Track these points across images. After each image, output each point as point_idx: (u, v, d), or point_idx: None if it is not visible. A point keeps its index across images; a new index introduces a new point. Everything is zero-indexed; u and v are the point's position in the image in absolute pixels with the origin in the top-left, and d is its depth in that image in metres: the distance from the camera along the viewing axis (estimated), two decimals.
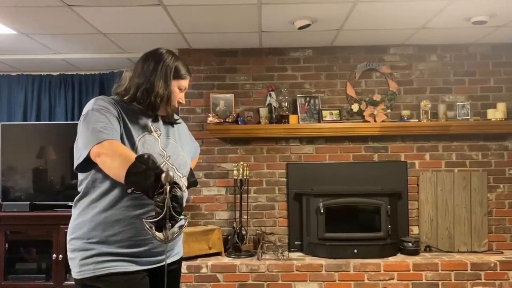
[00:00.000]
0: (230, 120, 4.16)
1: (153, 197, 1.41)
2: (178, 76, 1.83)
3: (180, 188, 1.43)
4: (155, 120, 1.84)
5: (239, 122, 4.15)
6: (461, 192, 4.20)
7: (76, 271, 1.69)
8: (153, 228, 1.42)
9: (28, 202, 4.28)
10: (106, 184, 1.68)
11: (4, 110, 4.91)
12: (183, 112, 4.31)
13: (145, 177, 1.42)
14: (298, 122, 4.15)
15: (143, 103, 1.78)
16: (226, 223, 4.25)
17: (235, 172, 4.08)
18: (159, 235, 1.42)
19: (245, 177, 4.09)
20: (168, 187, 1.38)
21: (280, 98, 4.20)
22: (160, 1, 3.06)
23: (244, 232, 4.10)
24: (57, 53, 4.36)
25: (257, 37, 3.97)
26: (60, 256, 4.08)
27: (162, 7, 3.17)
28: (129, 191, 1.66)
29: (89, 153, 1.57)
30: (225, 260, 3.89)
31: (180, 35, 3.86)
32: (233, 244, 4.04)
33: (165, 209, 1.38)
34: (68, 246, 1.75)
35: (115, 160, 1.53)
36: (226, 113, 4.19)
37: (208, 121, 4.13)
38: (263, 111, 4.15)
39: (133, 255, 1.70)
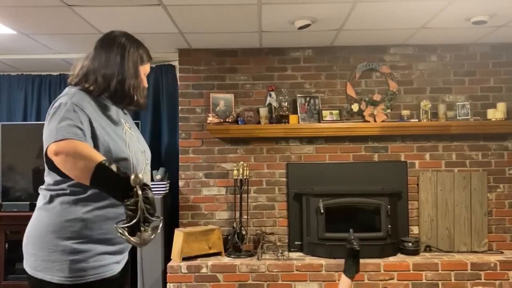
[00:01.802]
0: (230, 120, 4.16)
1: (122, 201, 1.37)
2: (143, 62, 1.78)
3: (150, 189, 1.40)
4: (122, 112, 1.79)
5: (239, 122, 4.15)
6: (461, 192, 4.20)
7: (65, 276, 1.52)
8: (126, 232, 1.36)
9: (28, 202, 4.28)
10: None
11: (4, 110, 4.90)
12: (183, 112, 4.31)
13: (114, 180, 1.37)
14: (298, 122, 4.15)
15: (116, 95, 1.69)
16: (226, 223, 4.25)
17: (235, 172, 4.08)
18: (134, 239, 1.36)
19: (245, 177, 4.09)
20: (139, 190, 1.34)
21: (280, 98, 4.20)
22: (160, 1, 3.06)
23: (244, 232, 4.10)
24: (57, 53, 4.36)
25: (257, 37, 3.97)
26: None
27: (162, 7, 3.17)
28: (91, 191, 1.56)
29: (46, 149, 1.47)
30: (225, 260, 3.89)
31: (180, 35, 3.86)
32: (233, 244, 4.04)
33: (138, 213, 1.33)
34: (52, 245, 1.55)
35: (77, 162, 1.43)
36: (226, 113, 4.19)
37: (208, 121, 4.13)
38: (263, 111, 4.15)
39: (119, 252, 1.66)
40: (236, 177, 4.09)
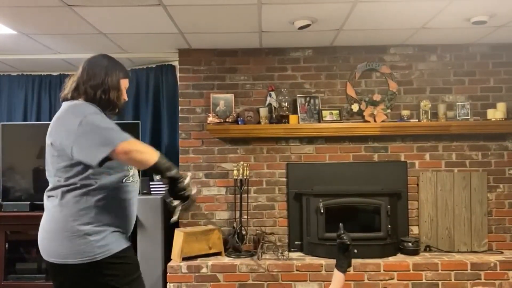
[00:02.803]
0: (230, 120, 4.17)
1: (175, 183, 1.86)
2: (124, 75, 2.10)
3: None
4: None
5: (239, 122, 4.15)
6: (461, 192, 4.20)
7: (98, 252, 1.86)
8: (177, 203, 1.90)
9: (28, 202, 4.29)
10: (107, 177, 1.92)
11: (4, 110, 4.91)
12: (183, 112, 4.31)
13: (164, 170, 1.85)
14: (298, 122, 4.15)
15: (101, 102, 2.00)
16: (226, 223, 4.25)
17: (235, 172, 4.08)
18: (183, 207, 1.92)
19: (245, 177, 4.09)
20: (188, 177, 1.91)
21: (280, 98, 4.20)
22: (160, 1, 3.06)
23: (244, 232, 4.10)
24: (57, 53, 4.36)
25: (257, 37, 3.97)
26: None
27: (162, 7, 3.17)
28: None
29: (112, 149, 1.78)
30: (225, 260, 3.89)
31: (180, 35, 3.86)
32: (233, 244, 4.04)
33: (189, 192, 1.89)
34: (72, 233, 1.87)
35: (143, 155, 1.82)
36: (226, 113, 4.19)
37: (208, 121, 4.13)
38: (263, 111, 4.16)
39: (126, 229, 2.02)
40: (236, 177, 4.09)
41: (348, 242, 2.58)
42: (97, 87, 1.99)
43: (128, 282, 1.93)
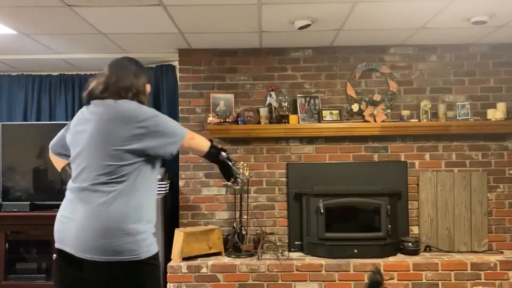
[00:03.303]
0: (230, 120, 4.17)
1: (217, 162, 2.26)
2: (148, 80, 2.18)
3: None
4: None
5: (239, 122, 4.15)
6: (461, 192, 4.20)
7: (142, 252, 1.87)
8: (233, 182, 2.33)
9: (28, 202, 4.28)
10: (154, 173, 2.01)
11: (4, 110, 4.90)
12: (183, 112, 4.31)
13: (217, 153, 2.23)
14: (298, 122, 4.15)
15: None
16: (226, 223, 4.25)
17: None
18: (239, 184, 2.36)
19: (245, 177, 4.08)
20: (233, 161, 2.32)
21: (280, 98, 4.20)
22: (160, 1, 3.06)
23: (244, 232, 4.10)
24: (57, 53, 4.36)
25: (257, 37, 3.97)
26: None
27: (162, 7, 3.17)
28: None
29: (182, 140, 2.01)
30: (225, 260, 3.89)
31: (180, 35, 3.86)
32: (233, 244, 4.04)
33: (240, 170, 2.32)
34: (124, 231, 1.85)
35: (202, 140, 2.15)
36: (226, 113, 4.19)
37: (208, 121, 4.13)
38: (263, 111, 4.16)
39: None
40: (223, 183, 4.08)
41: (380, 280, 2.64)
42: (127, 90, 2.03)
43: (155, 284, 1.97)
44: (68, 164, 2.20)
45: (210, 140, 2.22)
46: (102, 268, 1.83)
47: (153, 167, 2.00)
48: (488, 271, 3.75)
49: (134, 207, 1.89)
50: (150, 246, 1.92)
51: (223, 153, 2.23)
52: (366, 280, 2.76)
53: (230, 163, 2.26)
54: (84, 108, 2.06)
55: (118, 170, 1.88)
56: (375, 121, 4.16)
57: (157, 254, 1.95)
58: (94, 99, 2.03)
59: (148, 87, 2.16)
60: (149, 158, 1.95)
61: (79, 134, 1.99)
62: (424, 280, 3.75)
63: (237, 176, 2.29)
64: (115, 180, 1.88)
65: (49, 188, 4.45)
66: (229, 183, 2.32)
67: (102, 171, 1.88)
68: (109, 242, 1.82)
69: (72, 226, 1.89)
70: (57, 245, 1.95)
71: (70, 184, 2.01)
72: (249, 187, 4.21)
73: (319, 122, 4.18)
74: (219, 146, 2.27)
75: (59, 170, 2.27)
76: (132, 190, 1.90)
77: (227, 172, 2.29)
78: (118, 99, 1.99)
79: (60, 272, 1.98)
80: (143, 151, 1.91)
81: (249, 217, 4.21)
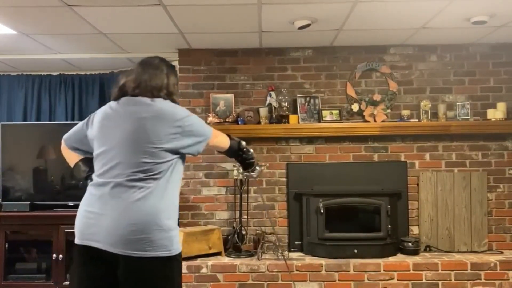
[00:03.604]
0: (230, 120, 4.17)
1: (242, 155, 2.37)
2: (178, 81, 2.24)
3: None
4: None
5: (239, 122, 4.15)
6: (461, 192, 4.20)
7: (174, 248, 1.93)
8: (251, 172, 2.48)
9: (28, 202, 4.28)
10: (181, 171, 2.06)
11: (4, 110, 4.91)
12: None
13: (247, 151, 2.39)
14: (298, 122, 4.15)
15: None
16: (226, 223, 4.25)
17: (235, 172, 4.08)
18: (255, 174, 2.51)
19: (245, 177, 4.08)
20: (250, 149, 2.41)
21: (280, 98, 4.20)
22: (160, 1, 3.06)
23: (244, 232, 4.10)
24: (57, 53, 4.36)
25: (257, 37, 3.97)
26: (60, 256, 4.08)
27: (162, 7, 3.17)
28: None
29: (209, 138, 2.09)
30: (225, 260, 3.89)
31: (180, 35, 3.86)
32: (233, 244, 4.04)
33: (255, 160, 2.45)
34: (160, 226, 1.89)
35: (223, 137, 2.25)
36: (226, 113, 4.19)
37: (208, 121, 4.13)
38: (263, 111, 4.16)
39: None
40: (236, 177, 4.09)
41: None
42: (159, 89, 2.04)
43: (180, 280, 2.05)
44: (82, 160, 2.20)
45: (228, 135, 2.30)
46: (136, 262, 1.84)
47: (181, 167, 2.06)
48: (488, 271, 3.75)
49: (167, 203, 1.94)
50: (178, 243, 1.99)
51: (243, 142, 2.34)
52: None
53: (250, 151, 2.37)
54: (113, 104, 2.04)
55: (154, 168, 1.90)
56: (375, 121, 4.16)
57: (181, 252, 2.03)
58: (125, 95, 2.03)
59: (177, 88, 2.22)
60: (180, 156, 2.00)
61: (108, 130, 1.98)
62: (424, 280, 3.74)
63: (257, 164, 2.43)
64: (151, 176, 1.90)
65: (49, 188, 4.45)
66: (250, 173, 2.43)
67: (139, 168, 1.89)
68: (145, 237, 1.84)
69: (104, 222, 1.87)
70: (81, 241, 1.92)
71: (96, 180, 1.99)
72: (249, 187, 4.21)
73: (319, 122, 4.18)
74: (236, 138, 2.35)
75: (72, 165, 2.24)
76: (167, 187, 1.94)
77: (247, 162, 2.39)
78: (152, 97, 2.01)
79: (83, 270, 1.95)
80: (177, 149, 1.96)
81: (249, 217, 4.21)
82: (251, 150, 2.40)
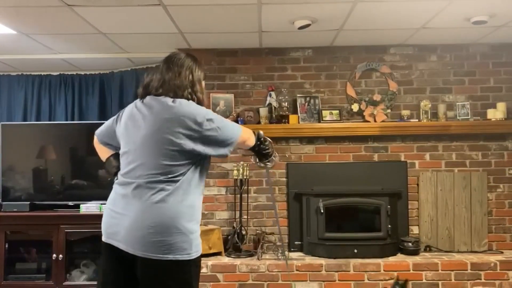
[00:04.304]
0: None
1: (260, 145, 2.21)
2: (204, 77, 2.23)
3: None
4: None
5: (239, 122, 4.14)
6: (461, 192, 4.20)
7: (194, 251, 1.90)
8: (267, 163, 2.30)
9: (28, 202, 4.28)
10: (204, 173, 2.02)
11: (4, 110, 4.91)
12: None
13: (264, 141, 2.22)
14: (298, 122, 4.15)
15: (196, 102, 2.09)
16: (226, 223, 4.25)
17: (235, 172, 4.08)
18: (270, 164, 2.31)
19: (245, 177, 4.08)
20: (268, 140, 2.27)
21: (280, 98, 4.20)
22: (160, 1, 3.06)
23: (244, 232, 4.10)
24: (57, 53, 4.36)
25: (257, 37, 3.97)
26: (60, 256, 4.08)
27: (162, 7, 3.17)
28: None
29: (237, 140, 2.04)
30: (225, 260, 3.89)
31: (180, 35, 3.86)
32: (233, 244, 4.04)
33: (272, 149, 2.27)
34: (179, 229, 1.86)
35: (250, 135, 2.17)
36: (226, 113, 4.19)
37: None
38: (263, 111, 4.16)
39: None
40: (236, 177, 4.09)
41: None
42: (184, 88, 2.02)
43: (198, 285, 1.97)
44: (114, 155, 2.18)
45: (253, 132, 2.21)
46: (154, 265, 1.83)
47: (204, 168, 2.02)
48: (488, 271, 3.75)
49: (188, 206, 1.91)
50: (199, 246, 1.95)
51: (261, 132, 2.23)
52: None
53: (267, 141, 2.24)
54: (138, 102, 2.04)
55: (174, 169, 1.89)
56: (375, 121, 4.16)
57: (201, 255, 1.98)
58: (149, 94, 2.03)
59: (203, 84, 2.19)
60: (201, 158, 1.97)
61: (132, 130, 1.98)
62: (424, 280, 3.74)
63: (273, 154, 2.28)
64: (171, 179, 1.88)
65: (49, 188, 4.45)
66: (265, 164, 2.28)
67: (159, 170, 1.88)
68: (164, 239, 1.83)
69: (125, 222, 1.87)
70: (106, 239, 1.95)
71: (121, 179, 1.99)
72: (249, 187, 4.21)
73: (319, 122, 4.18)
74: (256, 131, 2.24)
75: (104, 160, 2.24)
76: (187, 190, 1.91)
77: (264, 152, 2.24)
78: (175, 97, 1.98)
79: (107, 266, 1.98)
80: (198, 152, 1.92)
81: (249, 217, 4.21)
82: (268, 139, 2.26)
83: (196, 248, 1.91)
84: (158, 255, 1.83)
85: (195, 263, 1.92)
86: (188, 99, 2.01)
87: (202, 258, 2.05)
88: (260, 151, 2.23)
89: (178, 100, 1.97)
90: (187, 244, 1.87)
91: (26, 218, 4.20)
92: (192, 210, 1.93)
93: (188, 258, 1.87)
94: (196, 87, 2.07)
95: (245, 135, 2.11)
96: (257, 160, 2.30)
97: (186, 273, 1.88)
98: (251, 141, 2.17)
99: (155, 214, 1.85)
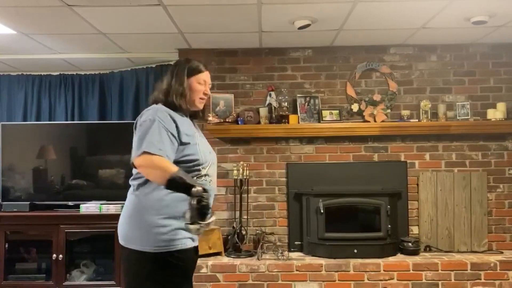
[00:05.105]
0: (230, 120, 4.17)
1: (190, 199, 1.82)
2: (191, 73, 2.12)
3: (207, 196, 1.82)
4: (192, 123, 2.19)
5: (239, 122, 4.15)
6: (461, 192, 4.20)
7: (151, 246, 1.92)
8: (189, 225, 1.83)
9: (28, 202, 4.28)
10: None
11: (4, 110, 4.91)
12: None
13: (182, 189, 1.83)
14: (298, 122, 4.15)
15: (171, 106, 2.06)
16: (226, 223, 4.25)
17: (235, 172, 4.08)
18: (193, 227, 1.82)
19: (245, 177, 4.09)
20: (193, 200, 1.79)
21: (280, 98, 4.20)
22: (160, 1, 3.06)
23: (244, 232, 4.10)
24: (57, 53, 4.36)
25: (257, 37, 3.97)
26: (60, 256, 4.08)
27: (162, 7, 3.17)
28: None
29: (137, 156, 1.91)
30: (225, 260, 3.89)
31: (180, 35, 3.86)
32: (233, 244, 4.04)
33: (191, 214, 1.80)
34: (134, 224, 1.97)
35: (154, 172, 1.89)
36: (226, 113, 4.19)
37: (208, 121, 4.13)
38: (263, 111, 4.16)
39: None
40: (236, 177, 4.09)
41: None
42: (158, 95, 2.11)
43: (169, 284, 1.96)
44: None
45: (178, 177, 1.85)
46: (122, 251, 2.05)
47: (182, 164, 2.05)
48: (488, 271, 3.75)
49: (155, 200, 2.01)
50: (164, 242, 2.01)
51: (195, 189, 1.79)
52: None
53: (204, 201, 1.81)
54: None
55: (134, 169, 2.04)
56: (375, 121, 4.16)
57: (181, 251, 2.03)
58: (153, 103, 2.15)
59: (194, 80, 2.12)
60: None
61: None
62: (424, 280, 3.74)
63: (208, 220, 1.86)
64: (134, 176, 2.06)
65: (49, 188, 4.45)
66: (200, 224, 1.83)
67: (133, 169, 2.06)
68: (132, 230, 2.02)
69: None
70: None
71: None
72: (249, 187, 4.21)
73: (319, 122, 4.18)
74: (187, 180, 1.84)
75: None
76: (149, 187, 2.00)
77: (198, 212, 1.82)
78: (153, 103, 2.10)
79: None
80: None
81: (249, 217, 4.21)
82: (204, 200, 1.81)
83: (161, 243, 1.93)
84: (124, 243, 2.01)
85: (152, 259, 1.93)
86: (170, 102, 2.08)
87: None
88: (195, 208, 1.81)
89: (151, 106, 2.08)
90: (149, 237, 1.94)
91: (26, 218, 4.20)
92: (157, 204, 1.96)
93: (149, 251, 1.93)
94: (165, 93, 2.10)
95: (144, 162, 1.88)
96: (190, 215, 1.81)
97: (135, 265, 1.98)
98: (155, 176, 1.89)
99: (124, 205, 2.07)
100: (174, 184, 1.83)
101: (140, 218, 1.96)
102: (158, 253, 1.92)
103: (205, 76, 2.17)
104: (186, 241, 2.00)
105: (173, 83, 2.09)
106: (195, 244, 2.09)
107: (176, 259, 1.94)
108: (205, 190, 1.82)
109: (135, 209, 2.00)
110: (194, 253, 2.09)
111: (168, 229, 1.94)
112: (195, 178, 2.00)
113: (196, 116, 2.25)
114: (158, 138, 1.90)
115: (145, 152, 1.87)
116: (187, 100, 2.10)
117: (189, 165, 2.00)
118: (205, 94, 2.17)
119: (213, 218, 1.88)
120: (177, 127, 1.99)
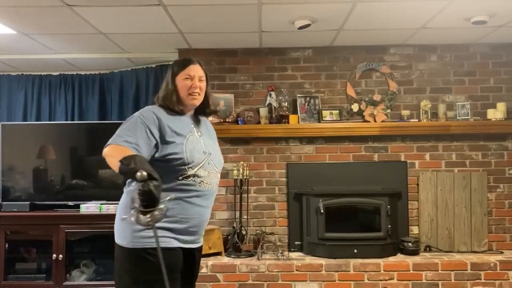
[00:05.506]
0: (230, 120, 4.17)
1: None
2: (178, 70, 2.11)
3: (154, 184, 1.68)
4: (196, 123, 2.18)
5: (239, 122, 4.15)
6: (461, 192, 4.20)
7: (128, 242, 1.96)
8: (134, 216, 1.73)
9: (28, 202, 4.28)
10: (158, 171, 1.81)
11: (4, 110, 4.91)
12: None
13: (131, 174, 1.71)
14: (298, 122, 4.15)
15: (164, 104, 2.09)
16: (226, 223, 4.25)
17: (235, 172, 4.08)
18: (143, 218, 1.70)
19: (245, 177, 4.09)
20: (138, 187, 1.67)
21: (280, 98, 4.20)
22: (160, 1, 3.06)
23: (244, 232, 4.10)
24: (57, 53, 4.36)
25: (257, 37, 3.97)
26: (60, 256, 4.08)
27: (162, 7, 3.17)
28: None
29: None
30: (225, 260, 3.89)
31: (180, 35, 3.86)
32: (233, 244, 4.04)
33: (136, 203, 1.70)
34: (117, 220, 2.05)
35: (109, 162, 1.88)
36: (226, 113, 4.19)
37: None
38: (263, 111, 4.16)
39: (176, 231, 1.99)
40: (236, 177, 4.09)
41: None
42: (158, 95, 2.15)
43: (144, 281, 1.93)
44: None
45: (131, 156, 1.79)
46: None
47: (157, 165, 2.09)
48: (488, 271, 3.75)
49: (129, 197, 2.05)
50: (140, 238, 2.02)
51: (139, 173, 1.64)
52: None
53: (146, 187, 1.65)
54: None
55: None
56: (375, 121, 4.16)
57: (154, 249, 2.02)
58: None
59: (180, 77, 2.09)
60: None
61: None
62: (424, 280, 3.74)
63: (161, 211, 1.72)
64: None
65: (49, 188, 4.45)
66: (146, 217, 1.69)
67: None
68: (115, 225, 2.11)
69: None
70: None
71: None
72: (249, 187, 4.21)
73: (319, 122, 4.18)
74: (133, 165, 1.70)
75: None
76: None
77: (141, 199, 1.68)
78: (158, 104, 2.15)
79: None
80: None
81: (249, 217, 4.21)
82: (151, 188, 1.65)
83: (134, 240, 1.95)
84: (115, 237, 2.07)
85: (129, 254, 1.97)
86: (162, 102, 2.12)
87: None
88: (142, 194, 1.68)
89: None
90: (126, 233, 1.97)
91: (26, 218, 4.20)
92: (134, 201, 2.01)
93: (126, 246, 1.97)
94: (164, 88, 2.13)
95: (105, 152, 1.91)
96: (135, 208, 1.70)
97: (119, 259, 2.03)
98: (112, 164, 1.84)
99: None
100: (123, 170, 1.73)
101: (121, 214, 2.03)
102: (134, 249, 1.95)
103: (191, 69, 2.09)
104: (168, 240, 1.96)
105: (163, 85, 2.14)
106: (183, 245, 2.03)
107: (152, 256, 1.88)
108: (151, 177, 1.66)
109: (121, 205, 2.07)
110: (184, 253, 2.04)
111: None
112: (180, 177, 1.98)
113: (204, 113, 2.24)
114: (129, 132, 1.94)
115: (109, 145, 1.92)
116: (179, 100, 2.09)
117: (173, 164, 1.97)
118: (193, 88, 2.07)
119: (162, 206, 1.71)
120: (160, 125, 1.98)
